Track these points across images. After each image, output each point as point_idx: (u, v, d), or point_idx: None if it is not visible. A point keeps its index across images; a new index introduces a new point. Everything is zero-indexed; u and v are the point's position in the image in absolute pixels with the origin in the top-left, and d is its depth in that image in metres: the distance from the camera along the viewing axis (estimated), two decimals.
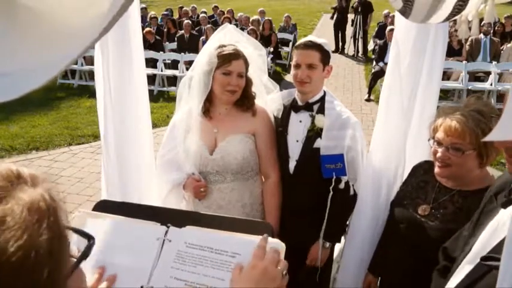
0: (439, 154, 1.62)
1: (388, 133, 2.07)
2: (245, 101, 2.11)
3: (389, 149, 2.06)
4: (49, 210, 0.59)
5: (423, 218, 1.67)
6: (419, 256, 1.65)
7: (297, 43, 2.18)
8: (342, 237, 2.31)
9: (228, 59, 2.00)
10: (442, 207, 1.64)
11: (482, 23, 9.04)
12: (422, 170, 1.86)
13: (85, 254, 0.69)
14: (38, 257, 0.54)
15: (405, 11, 1.43)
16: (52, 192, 0.62)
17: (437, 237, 1.59)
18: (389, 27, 8.86)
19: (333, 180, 2.03)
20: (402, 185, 1.94)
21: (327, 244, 2.15)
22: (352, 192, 2.12)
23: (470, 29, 9.27)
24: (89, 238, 0.72)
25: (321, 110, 2.10)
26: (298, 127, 2.13)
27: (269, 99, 2.24)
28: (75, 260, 0.67)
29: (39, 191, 0.60)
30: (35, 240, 0.55)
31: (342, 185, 2.06)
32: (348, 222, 2.26)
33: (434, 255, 1.56)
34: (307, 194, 2.12)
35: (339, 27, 12.61)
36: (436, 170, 1.65)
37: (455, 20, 8.56)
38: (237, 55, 2.02)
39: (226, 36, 2.12)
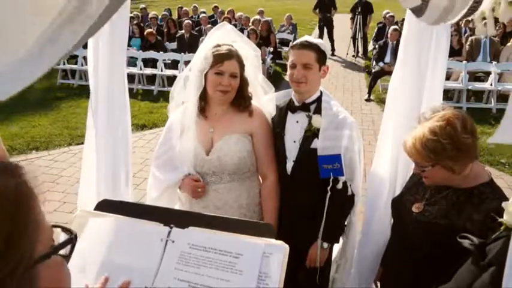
0: (413, 169, 1.66)
1: (395, 134, 2.08)
2: (241, 101, 2.10)
3: (396, 149, 2.07)
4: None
5: (416, 214, 1.69)
6: (412, 251, 1.68)
7: (293, 43, 2.16)
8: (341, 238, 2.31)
9: (221, 59, 1.99)
10: (436, 204, 1.66)
11: (484, 22, 9.00)
12: None
13: (61, 246, 0.72)
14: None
15: (420, 10, 1.41)
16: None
17: (427, 233, 1.61)
18: (392, 27, 8.82)
19: (331, 180, 2.03)
20: (408, 181, 1.96)
21: (326, 245, 2.15)
22: (350, 192, 2.12)
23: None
24: (71, 232, 0.75)
25: (318, 110, 2.09)
26: (295, 128, 2.13)
27: (266, 99, 2.23)
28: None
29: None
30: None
31: (339, 185, 2.05)
32: (346, 223, 2.26)
33: (426, 250, 1.60)
34: (305, 195, 2.11)
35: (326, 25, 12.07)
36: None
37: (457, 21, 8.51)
38: (229, 55, 2.01)
39: (224, 36, 2.11)
